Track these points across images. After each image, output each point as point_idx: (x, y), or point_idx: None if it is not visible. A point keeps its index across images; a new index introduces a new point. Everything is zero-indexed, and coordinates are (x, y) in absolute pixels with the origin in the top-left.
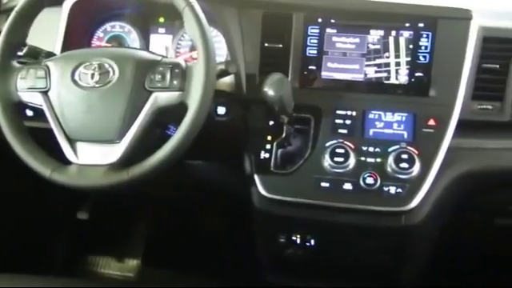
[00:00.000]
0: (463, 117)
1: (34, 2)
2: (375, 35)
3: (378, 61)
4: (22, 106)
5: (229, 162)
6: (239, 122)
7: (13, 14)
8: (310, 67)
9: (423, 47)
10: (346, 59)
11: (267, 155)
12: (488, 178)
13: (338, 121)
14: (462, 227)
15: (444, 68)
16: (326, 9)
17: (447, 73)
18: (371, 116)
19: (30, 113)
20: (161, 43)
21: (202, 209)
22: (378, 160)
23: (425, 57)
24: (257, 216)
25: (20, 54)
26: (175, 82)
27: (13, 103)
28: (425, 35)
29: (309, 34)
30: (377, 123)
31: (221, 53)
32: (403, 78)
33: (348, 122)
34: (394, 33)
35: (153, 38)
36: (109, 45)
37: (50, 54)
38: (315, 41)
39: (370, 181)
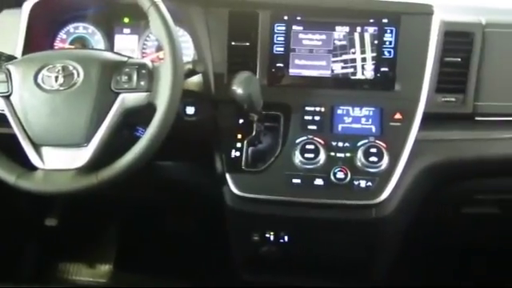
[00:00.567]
0: (428, 110)
1: None
2: (341, 31)
3: (344, 57)
4: None
5: (200, 162)
6: (209, 122)
7: None
8: (277, 65)
9: (388, 42)
10: (312, 56)
11: (238, 154)
12: (453, 168)
13: (307, 117)
14: (430, 219)
15: (408, 62)
16: (291, 6)
17: (411, 67)
18: (339, 111)
19: None
20: (126, 44)
21: (174, 210)
22: (348, 155)
23: (390, 52)
24: (230, 215)
25: None
26: (142, 83)
27: None
28: (389, 31)
29: (275, 31)
30: (345, 118)
31: (188, 52)
32: (369, 74)
33: (317, 118)
34: (359, 29)
35: (118, 38)
36: (72, 47)
37: (10, 58)
38: (282, 38)
39: (340, 175)
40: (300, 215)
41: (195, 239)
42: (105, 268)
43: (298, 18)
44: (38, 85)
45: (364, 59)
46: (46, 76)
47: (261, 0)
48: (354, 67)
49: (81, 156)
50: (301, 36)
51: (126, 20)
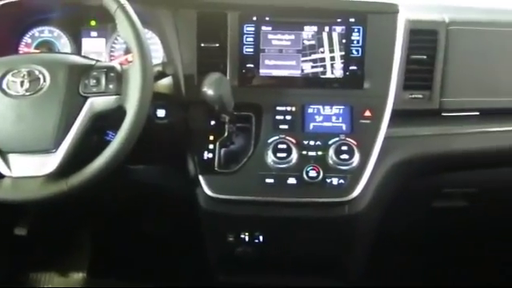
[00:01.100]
0: (396, 107)
1: None
2: (309, 31)
3: (313, 56)
4: None
5: (172, 165)
6: (180, 124)
7: None
8: (247, 65)
9: (355, 41)
10: (282, 56)
11: (210, 155)
12: (422, 163)
13: (278, 117)
14: (401, 214)
15: (376, 60)
16: (260, 7)
17: (379, 65)
18: (310, 110)
19: None
20: (93, 47)
21: (148, 214)
22: (320, 153)
23: (357, 51)
24: (204, 217)
25: None
26: (111, 86)
27: None
28: (356, 30)
29: (244, 32)
30: (316, 117)
31: (157, 55)
32: (338, 72)
33: (288, 117)
34: (327, 28)
35: (85, 42)
36: (37, 51)
37: None
38: (251, 39)
39: (312, 174)
40: (274, 215)
41: (170, 241)
42: (78, 276)
43: (267, 19)
44: (2, 90)
45: (333, 58)
46: (10, 81)
47: (229, 1)
48: (324, 66)
49: (49, 162)
50: (270, 36)
51: (93, 23)
